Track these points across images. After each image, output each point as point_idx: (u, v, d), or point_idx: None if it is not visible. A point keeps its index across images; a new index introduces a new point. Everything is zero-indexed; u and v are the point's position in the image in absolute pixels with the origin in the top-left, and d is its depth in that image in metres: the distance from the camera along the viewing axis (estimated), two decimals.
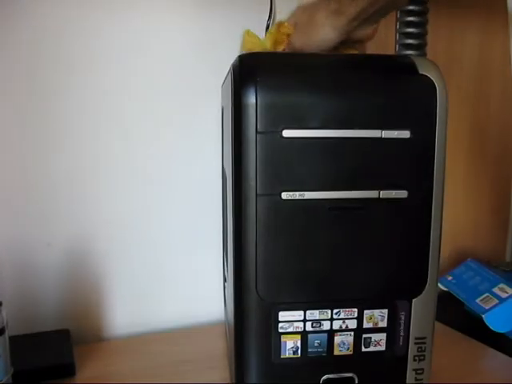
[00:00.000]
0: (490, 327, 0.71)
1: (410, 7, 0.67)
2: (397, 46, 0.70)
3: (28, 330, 0.67)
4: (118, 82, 0.70)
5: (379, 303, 0.46)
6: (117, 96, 0.71)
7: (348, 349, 0.46)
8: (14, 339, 0.53)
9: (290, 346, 0.45)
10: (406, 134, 0.44)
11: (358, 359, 0.46)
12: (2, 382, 0.49)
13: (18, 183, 0.68)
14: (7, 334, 0.51)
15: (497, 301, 0.73)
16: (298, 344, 0.45)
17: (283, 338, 0.45)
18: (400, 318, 0.46)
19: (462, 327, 0.73)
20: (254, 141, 0.42)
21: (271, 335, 0.45)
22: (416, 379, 0.48)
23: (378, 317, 0.46)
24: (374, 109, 0.43)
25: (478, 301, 0.76)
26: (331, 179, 0.44)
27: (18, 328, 0.62)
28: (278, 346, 0.45)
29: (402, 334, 0.47)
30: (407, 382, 0.48)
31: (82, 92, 0.69)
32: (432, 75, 0.44)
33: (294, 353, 0.45)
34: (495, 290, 0.76)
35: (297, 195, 0.43)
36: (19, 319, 0.65)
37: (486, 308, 0.73)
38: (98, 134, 0.71)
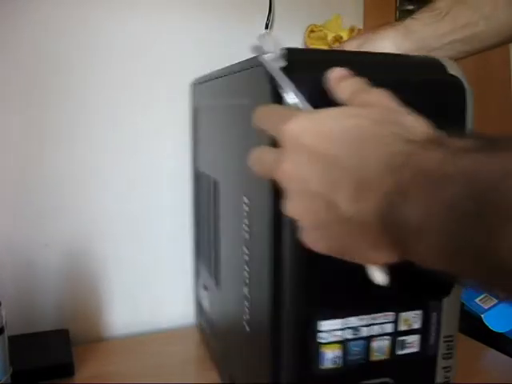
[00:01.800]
0: (490, 327, 0.71)
1: (410, 7, 0.67)
2: None
3: (27, 330, 0.67)
4: (117, 81, 0.70)
5: (414, 305, 0.45)
6: (116, 96, 0.70)
7: (384, 353, 0.45)
8: (12, 339, 0.53)
9: (329, 356, 0.43)
10: None
11: (393, 363, 0.45)
12: (1, 381, 0.49)
13: (16, 184, 0.68)
14: (6, 333, 0.51)
15: (496, 301, 0.73)
16: (338, 353, 0.43)
17: (322, 349, 0.43)
18: (432, 318, 0.46)
19: (461, 327, 0.73)
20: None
21: (309, 346, 0.43)
22: (445, 377, 0.47)
23: (412, 319, 0.45)
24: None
25: (477, 300, 0.76)
26: None
27: (17, 328, 0.62)
28: (317, 356, 0.43)
29: (433, 333, 0.46)
30: (437, 381, 0.47)
31: (82, 92, 0.69)
32: (460, 76, 0.43)
33: (334, 363, 0.44)
34: None
35: None
36: (18, 319, 0.65)
37: (485, 308, 0.73)
38: (97, 135, 0.70)
